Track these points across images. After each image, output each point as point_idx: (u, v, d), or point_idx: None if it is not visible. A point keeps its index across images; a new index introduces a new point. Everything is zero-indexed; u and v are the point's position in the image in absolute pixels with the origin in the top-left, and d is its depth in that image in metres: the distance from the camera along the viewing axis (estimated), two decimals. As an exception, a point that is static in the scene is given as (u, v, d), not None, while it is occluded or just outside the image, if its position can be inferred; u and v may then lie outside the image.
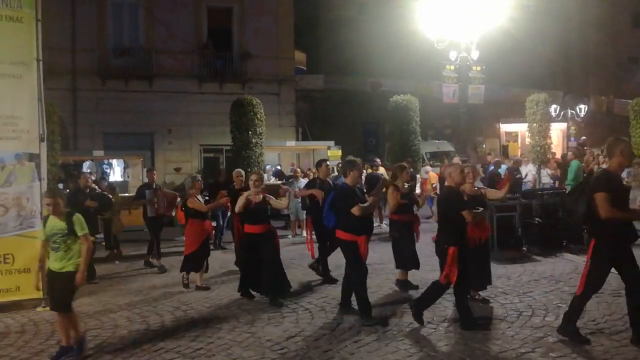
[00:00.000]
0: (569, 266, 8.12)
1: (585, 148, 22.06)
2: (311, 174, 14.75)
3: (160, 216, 9.15)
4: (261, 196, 6.70)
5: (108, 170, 17.56)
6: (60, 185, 14.88)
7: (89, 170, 15.58)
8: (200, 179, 8.14)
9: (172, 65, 20.24)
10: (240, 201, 6.65)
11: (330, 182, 8.22)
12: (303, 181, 12.87)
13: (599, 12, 34.66)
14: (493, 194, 6.76)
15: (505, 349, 4.79)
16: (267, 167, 17.17)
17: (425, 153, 21.80)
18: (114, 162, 17.67)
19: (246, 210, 6.69)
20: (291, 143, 19.68)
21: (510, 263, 8.35)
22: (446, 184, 5.76)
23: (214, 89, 20.56)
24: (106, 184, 11.62)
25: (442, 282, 5.29)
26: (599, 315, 5.67)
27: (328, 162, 8.61)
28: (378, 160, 14.70)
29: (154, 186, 9.31)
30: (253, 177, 6.98)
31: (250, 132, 14.57)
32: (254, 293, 6.81)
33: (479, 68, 14.28)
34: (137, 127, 19.78)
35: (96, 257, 10.16)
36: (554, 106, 23.98)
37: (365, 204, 5.84)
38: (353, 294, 5.98)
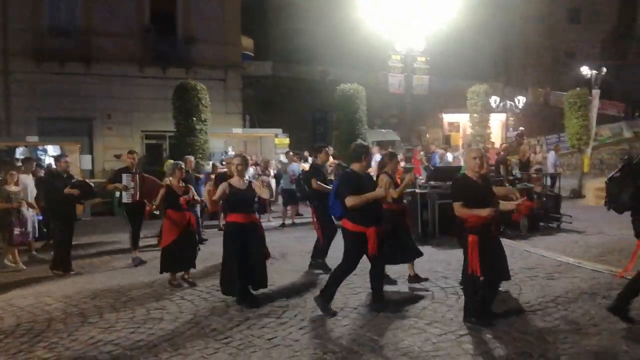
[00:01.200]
0: (506, 251, 8.43)
1: (523, 138, 23.03)
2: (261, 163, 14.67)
3: (138, 203, 8.48)
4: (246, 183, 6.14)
5: (43, 157, 16.74)
6: (-9, 173, 14.13)
7: (66, 156, 14.86)
8: (182, 166, 7.48)
9: (112, 48, 19.38)
10: (220, 190, 6.06)
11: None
12: (296, 165, 12.79)
13: (537, 8, 36.05)
14: (501, 190, 6.19)
15: (444, 332, 4.92)
16: (230, 153, 16.66)
17: (372, 142, 22.05)
18: (50, 148, 16.87)
19: (233, 199, 6.04)
20: (238, 130, 19.43)
21: (450, 248, 8.60)
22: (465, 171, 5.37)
23: (156, 73, 19.90)
24: (42, 171, 11.04)
25: (469, 273, 4.98)
26: (532, 297, 5.92)
27: (328, 148, 8.24)
28: (331, 148, 14.78)
29: (134, 170, 8.53)
30: (236, 161, 6.28)
31: (194, 118, 14.26)
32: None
33: (423, 59, 14.46)
34: (74, 112, 18.90)
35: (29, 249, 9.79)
36: (494, 97, 24.82)
37: (366, 195, 5.34)
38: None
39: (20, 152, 16.05)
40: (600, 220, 10.68)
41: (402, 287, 6.54)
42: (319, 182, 7.51)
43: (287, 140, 18.77)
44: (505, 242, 9.05)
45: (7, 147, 16.17)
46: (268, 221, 12.84)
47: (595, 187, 14.86)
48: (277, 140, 18.67)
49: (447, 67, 27.17)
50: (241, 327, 5.23)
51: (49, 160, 16.51)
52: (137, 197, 8.39)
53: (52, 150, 16.77)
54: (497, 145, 20.12)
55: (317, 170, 7.80)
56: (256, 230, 6.11)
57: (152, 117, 19.03)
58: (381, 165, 6.67)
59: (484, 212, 4.83)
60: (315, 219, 7.61)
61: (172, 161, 8.55)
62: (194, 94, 14.35)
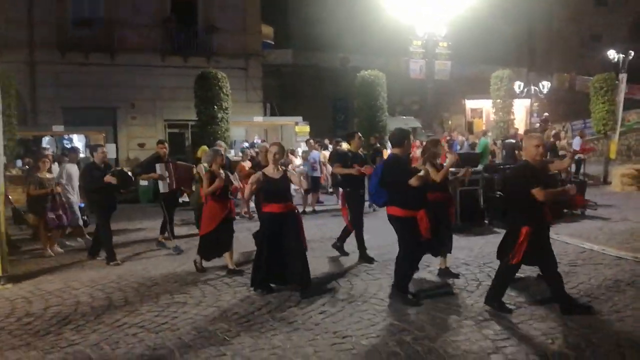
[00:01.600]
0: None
1: (548, 124, 22.61)
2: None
3: (174, 191, 8.55)
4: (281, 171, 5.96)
5: (69, 146, 17.09)
6: (19, 162, 14.50)
7: (77, 146, 15.27)
8: (222, 152, 7.36)
9: (134, 38, 19.62)
10: (253, 180, 5.87)
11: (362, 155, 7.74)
12: (316, 153, 12.86)
13: (563, -10, 35.18)
14: (559, 165, 6.51)
15: (465, 317, 4.93)
16: (257, 142, 16.72)
17: (355, 131, 21.92)
18: (75, 137, 17.22)
19: (268, 188, 5.86)
20: (258, 118, 19.53)
21: (472, 235, 8.54)
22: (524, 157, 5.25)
23: (178, 62, 20.10)
24: (67, 159, 11.25)
25: (512, 263, 4.92)
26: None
27: (359, 134, 8.09)
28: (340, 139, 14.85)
29: (166, 159, 8.56)
30: (273, 149, 5.94)
31: (215, 107, 14.37)
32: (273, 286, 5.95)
33: (445, 44, 14.35)
34: (98, 101, 19.23)
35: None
36: (517, 83, 24.40)
37: (420, 175, 5.26)
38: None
39: (46, 142, 16.43)
40: (626, 207, 10.49)
41: (422, 273, 6.54)
42: (340, 167, 7.46)
43: (307, 129, 18.79)
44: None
45: (34, 136, 16.55)
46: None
47: (621, 174, 14.58)
48: (297, 129, 18.71)
49: (469, 52, 26.81)
50: (262, 310, 5.31)
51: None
52: (174, 185, 8.44)
53: (77, 139, 17.12)
54: (521, 131, 19.79)
55: (339, 156, 7.67)
56: (294, 220, 5.88)
57: (175, 106, 19.26)
58: (424, 153, 6.34)
59: (558, 191, 5.03)
60: (344, 207, 7.53)
61: (205, 147, 8.62)
62: (215, 83, 14.46)
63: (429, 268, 6.64)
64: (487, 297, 5.15)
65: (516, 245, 4.84)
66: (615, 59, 19.66)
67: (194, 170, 8.95)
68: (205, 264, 7.02)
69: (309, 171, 12.54)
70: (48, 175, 8.58)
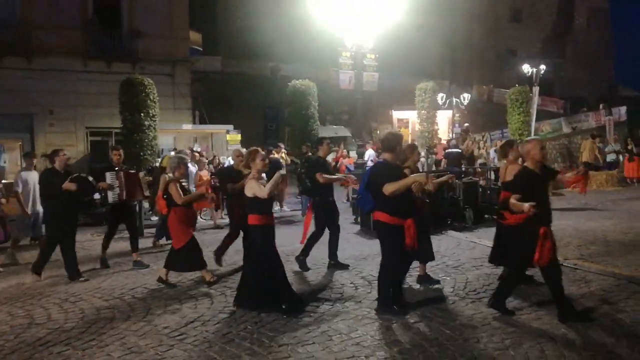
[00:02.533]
0: (453, 242, 8.77)
1: (468, 133, 23.79)
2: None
3: (123, 203, 7.84)
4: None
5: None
6: None
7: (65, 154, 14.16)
8: (187, 161, 7.01)
9: (54, 42, 18.66)
10: (270, 186, 5.40)
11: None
12: None
13: (481, 7, 37.28)
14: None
15: (396, 321, 5.08)
16: (198, 149, 15.79)
17: (324, 138, 22.26)
18: (-11, 145, 16.10)
19: (257, 198, 5.45)
20: (187, 126, 19.16)
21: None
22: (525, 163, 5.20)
23: (101, 67, 19.32)
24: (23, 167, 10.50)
25: (541, 265, 4.86)
26: (478, 285, 6.19)
27: (328, 141, 7.90)
28: (282, 144, 14.89)
29: (118, 167, 7.89)
30: (261, 155, 5.65)
31: (142, 114, 13.95)
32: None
33: (373, 56, 14.73)
34: (14, 107, 18.07)
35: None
36: (440, 94, 25.50)
37: (405, 180, 5.05)
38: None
39: (-45, 150, 15.24)
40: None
41: (355, 278, 6.67)
42: (324, 175, 7.16)
43: (238, 137, 18.65)
44: (451, 233, 9.50)
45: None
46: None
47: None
48: (228, 137, 18.52)
49: (396, 64, 27.75)
50: (195, 323, 5.21)
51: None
52: (124, 196, 7.81)
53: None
54: (444, 141, 20.68)
55: (319, 164, 7.37)
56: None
57: (97, 113, 18.48)
58: (404, 161, 6.08)
59: (525, 206, 4.66)
60: (309, 215, 7.33)
61: (172, 155, 8.25)
62: (142, 89, 14.05)
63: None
64: (494, 301, 5.21)
65: (538, 246, 4.76)
66: (529, 73, 21.06)
67: (142, 178, 8.45)
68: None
69: None
70: None
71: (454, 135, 25.87)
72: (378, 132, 30.43)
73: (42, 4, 18.55)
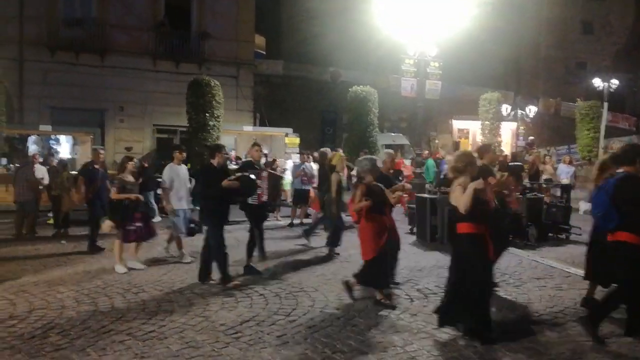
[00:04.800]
0: (514, 260, 8.46)
1: (533, 147, 22.98)
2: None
3: (263, 204, 7.22)
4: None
5: (55, 147, 16.90)
6: (4, 160, 14.28)
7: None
8: (378, 162, 6.29)
9: (126, 41, 19.57)
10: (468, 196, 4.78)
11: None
12: (309, 165, 12.55)
13: (551, 17, 36.01)
14: None
15: (454, 336, 4.95)
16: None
17: (381, 145, 22.13)
18: (62, 138, 17.02)
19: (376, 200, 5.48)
20: (248, 128, 19.53)
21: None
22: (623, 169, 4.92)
23: (169, 67, 20.06)
24: (56, 160, 11.15)
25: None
26: (541, 307, 5.94)
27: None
28: (340, 150, 14.91)
29: (259, 166, 7.43)
30: (387, 156, 5.85)
31: (207, 114, 14.34)
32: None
33: (437, 64, 14.54)
34: (87, 102, 19.08)
35: (41, 237, 9.94)
36: (505, 106, 24.79)
37: None
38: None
39: (32, 141, 16.20)
40: (609, 233, 10.64)
41: (410, 291, 6.57)
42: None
43: (297, 140, 18.83)
44: (513, 251, 9.17)
45: (20, 135, 16.32)
46: (277, 220, 12.90)
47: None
48: (287, 140, 18.73)
49: (458, 73, 27.18)
50: (250, 322, 5.28)
51: (60, 150, 16.67)
52: (265, 197, 7.16)
53: (65, 139, 16.92)
54: (508, 153, 20.06)
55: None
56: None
57: (164, 111, 19.18)
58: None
59: None
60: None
61: (341, 154, 8.03)
62: (208, 90, 14.45)
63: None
64: (589, 323, 4.94)
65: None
66: (600, 87, 20.15)
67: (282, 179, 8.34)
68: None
69: (297, 185, 12.47)
70: (131, 179, 7.67)
71: (517, 148, 25.08)
72: (437, 141, 29.94)
73: (117, 5, 19.48)
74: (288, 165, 14.89)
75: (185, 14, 20.80)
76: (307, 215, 12.90)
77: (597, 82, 21.18)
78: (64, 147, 17.06)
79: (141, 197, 7.67)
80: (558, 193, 11.91)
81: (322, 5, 30.87)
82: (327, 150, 10.33)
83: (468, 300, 4.86)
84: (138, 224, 7.54)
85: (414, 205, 10.75)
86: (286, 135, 18.88)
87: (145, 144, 19.91)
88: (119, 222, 7.48)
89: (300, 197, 12.24)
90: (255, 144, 7.62)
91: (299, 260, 8.30)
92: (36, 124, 16.73)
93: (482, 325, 4.85)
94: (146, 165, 12.51)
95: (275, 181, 7.46)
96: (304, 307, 5.77)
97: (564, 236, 10.62)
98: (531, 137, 26.81)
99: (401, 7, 15.64)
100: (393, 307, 5.76)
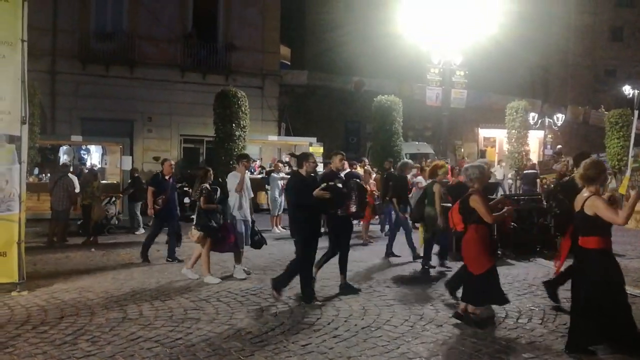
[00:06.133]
0: (542, 271, 8.32)
1: (561, 156, 22.57)
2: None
3: (352, 215, 6.82)
4: None
5: (85, 156, 17.32)
6: (36, 170, 14.69)
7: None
8: (489, 170, 6.00)
9: (154, 53, 19.99)
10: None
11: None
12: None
13: (579, 24, 35.46)
14: None
15: (479, 349, 4.90)
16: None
17: (405, 154, 22.02)
18: (92, 147, 17.43)
19: (599, 218, 4.72)
20: (273, 137, 19.69)
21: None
22: None
23: (196, 79, 20.40)
24: (86, 170, 11.46)
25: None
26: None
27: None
28: (366, 159, 14.96)
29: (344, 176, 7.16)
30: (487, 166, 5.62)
31: (234, 125, 14.52)
32: None
33: (462, 73, 14.46)
34: (116, 113, 19.53)
35: (71, 244, 10.17)
36: (532, 114, 24.45)
37: None
38: None
39: (64, 151, 16.63)
40: (640, 244, 10.40)
41: (435, 302, 6.52)
42: None
43: (321, 149, 18.89)
44: (542, 262, 9.02)
45: (52, 145, 16.76)
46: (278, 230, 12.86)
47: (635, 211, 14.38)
48: (311, 149, 18.80)
49: (485, 80, 26.94)
50: (276, 331, 5.31)
51: (90, 160, 17.08)
52: (354, 208, 6.68)
53: (94, 149, 17.32)
54: (535, 162, 19.79)
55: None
56: None
57: (191, 122, 19.49)
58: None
59: None
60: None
61: (443, 162, 7.58)
62: (235, 101, 14.63)
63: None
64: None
65: None
66: (630, 95, 19.73)
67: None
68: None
69: None
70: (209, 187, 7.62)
71: (544, 157, 24.71)
72: (462, 149, 29.66)
73: (146, 17, 19.92)
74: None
75: (213, 25, 21.16)
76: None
77: (627, 90, 20.76)
78: (94, 157, 17.47)
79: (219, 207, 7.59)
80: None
81: (346, 14, 31.05)
82: (410, 161, 10.26)
83: (608, 318, 4.59)
84: (226, 233, 7.52)
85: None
86: (310, 144, 18.96)
87: (172, 154, 20.23)
88: (211, 232, 7.40)
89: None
90: (338, 153, 7.17)
91: (323, 269, 8.31)
92: (68, 134, 17.17)
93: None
94: (136, 174, 12.61)
95: (361, 191, 6.96)
96: (328, 317, 5.79)
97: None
98: (559, 146, 26.36)
99: (426, 15, 15.63)
100: (481, 326, 5.43)
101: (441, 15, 15.20)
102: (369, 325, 5.53)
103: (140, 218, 12.20)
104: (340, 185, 6.59)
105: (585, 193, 4.74)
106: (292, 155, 14.30)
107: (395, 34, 17.18)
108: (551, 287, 6.47)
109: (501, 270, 8.26)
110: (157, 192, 8.87)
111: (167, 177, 9.06)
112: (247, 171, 8.04)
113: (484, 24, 14.85)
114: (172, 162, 9.34)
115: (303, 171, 6.48)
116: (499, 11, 15.51)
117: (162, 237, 9.47)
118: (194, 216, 7.85)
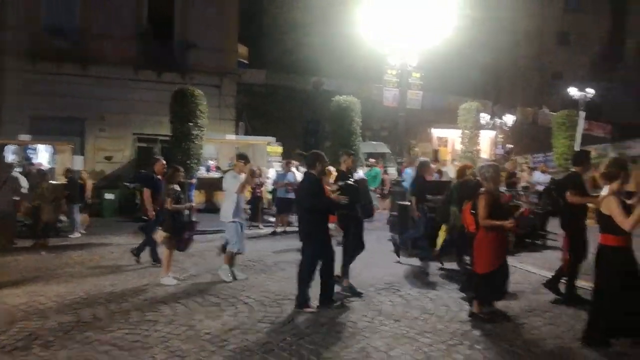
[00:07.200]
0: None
1: (511, 155, 23.40)
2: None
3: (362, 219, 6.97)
4: None
5: (32, 156, 16.64)
6: (-18, 170, 14.04)
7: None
8: (496, 169, 5.83)
9: (108, 50, 19.40)
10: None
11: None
12: (291, 174, 12.57)
13: (528, 28, 36.77)
14: None
15: (435, 341, 5.05)
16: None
17: (363, 153, 22.27)
18: (41, 147, 16.78)
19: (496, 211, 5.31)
20: (231, 137, 19.51)
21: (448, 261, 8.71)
22: None
23: (151, 77, 19.93)
24: (35, 170, 11.05)
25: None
26: (520, 311, 6.08)
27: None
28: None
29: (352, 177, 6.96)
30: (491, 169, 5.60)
31: (191, 124, 14.33)
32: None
33: (418, 75, 14.73)
34: (67, 112, 18.85)
35: (19, 247, 9.82)
36: (483, 115, 25.21)
37: None
38: None
39: (11, 151, 15.96)
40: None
41: (394, 297, 6.66)
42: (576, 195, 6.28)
43: (279, 149, 18.88)
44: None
45: (-2, 144, 16.05)
46: (259, 228, 12.94)
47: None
48: (269, 149, 18.77)
49: (439, 82, 27.56)
50: (235, 331, 5.31)
51: (37, 160, 16.42)
52: (373, 211, 7.11)
53: (44, 149, 16.68)
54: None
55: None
56: None
57: (145, 120, 19.06)
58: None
59: None
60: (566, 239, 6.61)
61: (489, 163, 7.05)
62: (192, 100, 14.44)
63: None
64: None
65: None
66: (576, 97, 20.64)
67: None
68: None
69: (281, 193, 12.55)
70: (177, 188, 7.49)
71: (495, 156, 25.51)
72: (417, 149, 30.24)
73: (100, 14, 19.31)
74: (270, 174, 14.96)
75: (169, 23, 20.71)
76: (289, 224, 12.94)
77: (573, 92, 21.68)
78: (43, 157, 16.81)
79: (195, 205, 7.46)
80: (535, 199, 12.15)
81: (305, 15, 31.12)
82: (427, 160, 9.86)
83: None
84: (190, 233, 7.46)
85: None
86: (268, 144, 18.92)
87: (125, 153, 19.75)
88: (175, 232, 7.28)
89: (284, 205, 12.31)
90: (347, 153, 7.12)
91: (283, 268, 8.35)
92: (15, 133, 16.48)
93: None
94: (70, 175, 12.11)
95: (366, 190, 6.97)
96: (288, 315, 5.82)
97: (540, 242, 10.86)
98: (510, 145, 27.30)
99: (384, 17, 15.83)
100: (492, 321, 5.55)
101: (399, 18, 15.43)
102: (328, 323, 5.59)
103: (77, 221, 11.79)
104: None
105: (605, 191, 4.91)
106: (300, 154, 13.96)
107: (355, 35, 17.34)
108: (551, 285, 6.71)
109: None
110: (153, 193, 8.44)
111: (159, 177, 8.70)
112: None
113: (439, 27, 15.18)
114: (164, 162, 8.95)
115: (315, 171, 6.17)
116: (453, 15, 15.89)
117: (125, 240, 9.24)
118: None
